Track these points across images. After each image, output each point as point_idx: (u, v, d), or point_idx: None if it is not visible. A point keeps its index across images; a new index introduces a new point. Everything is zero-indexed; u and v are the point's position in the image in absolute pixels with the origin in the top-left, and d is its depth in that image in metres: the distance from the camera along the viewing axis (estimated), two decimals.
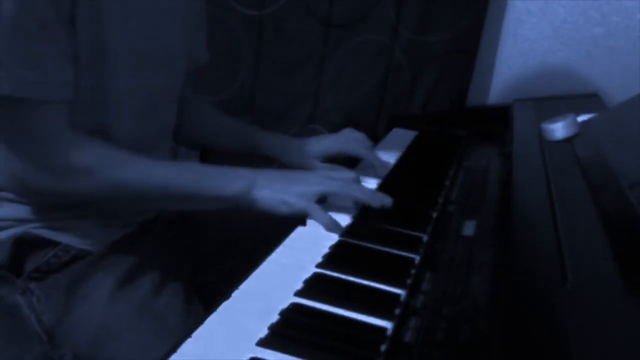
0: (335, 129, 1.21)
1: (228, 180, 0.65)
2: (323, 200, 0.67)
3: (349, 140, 0.87)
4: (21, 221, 0.65)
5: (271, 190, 0.64)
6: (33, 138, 0.58)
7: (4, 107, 0.56)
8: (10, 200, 0.65)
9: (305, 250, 0.58)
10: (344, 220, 0.66)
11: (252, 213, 0.65)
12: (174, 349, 0.42)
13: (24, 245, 0.65)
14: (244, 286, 0.51)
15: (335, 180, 0.68)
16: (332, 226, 0.63)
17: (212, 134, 0.91)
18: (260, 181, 0.65)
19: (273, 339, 0.43)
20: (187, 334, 0.44)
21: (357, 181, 0.71)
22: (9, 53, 0.53)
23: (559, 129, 0.75)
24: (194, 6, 0.78)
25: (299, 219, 0.65)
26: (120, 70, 0.63)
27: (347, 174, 0.71)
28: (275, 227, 0.62)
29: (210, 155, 1.18)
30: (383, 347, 0.43)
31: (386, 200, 0.67)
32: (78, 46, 0.58)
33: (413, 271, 0.54)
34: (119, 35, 0.61)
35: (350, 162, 0.87)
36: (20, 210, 0.65)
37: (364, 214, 0.68)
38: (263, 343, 0.43)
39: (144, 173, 0.63)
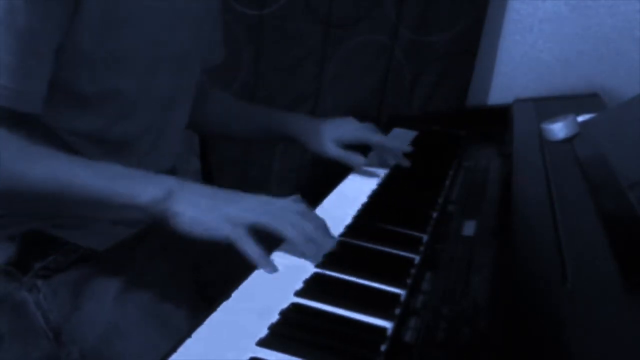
0: None
1: (143, 186, 0.56)
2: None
3: (366, 127, 0.86)
4: (29, 217, 0.65)
5: (192, 205, 0.55)
6: None
7: None
8: (18, 197, 0.65)
9: None
10: (344, 219, 0.66)
11: (166, 230, 0.56)
12: (174, 349, 0.42)
13: (31, 243, 0.65)
14: (244, 286, 0.51)
15: (275, 210, 0.56)
16: (263, 261, 0.54)
17: (230, 122, 0.90)
18: (182, 193, 0.56)
19: (273, 339, 0.43)
20: (187, 334, 0.44)
21: (324, 229, 0.59)
22: None
23: (559, 129, 0.75)
24: (211, 7, 0.77)
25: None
26: (135, 72, 0.63)
27: (290, 203, 0.59)
28: None
29: (210, 156, 1.18)
30: (383, 347, 0.43)
31: (328, 246, 0.57)
32: (85, 50, 0.58)
33: (413, 271, 0.54)
34: (135, 37, 0.61)
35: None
36: (28, 208, 0.65)
37: (364, 213, 0.68)
38: (263, 343, 0.43)
39: (49, 170, 0.56)
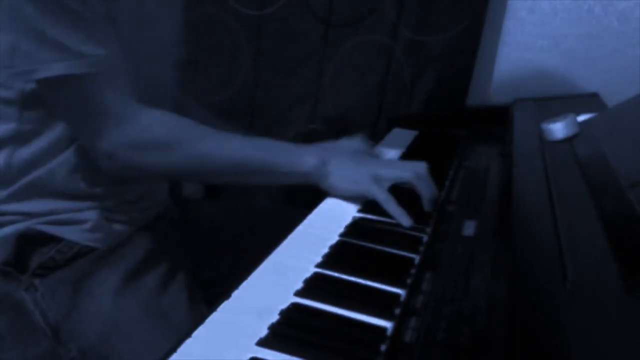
0: (335, 129, 1.21)
1: (301, 156, 0.67)
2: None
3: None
4: (25, 216, 0.65)
5: (343, 168, 0.66)
6: (114, 114, 0.59)
7: (73, 89, 0.57)
8: (13, 194, 0.65)
9: (305, 249, 0.58)
10: (344, 219, 0.66)
11: (321, 188, 0.66)
12: (174, 349, 0.42)
13: (28, 242, 0.65)
14: (244, 286, 0.51)
15: (410, 167, 0.67)
16: (403, 217, 0.64)
17: None
18: (333, 158, 0.66)
19: (273, 339, 0.43)
20: (187, 333, 0.44)
21: (428, 175, 0.69)
22: (68, 34, 0.54)
23: (559, 129, 0.75)
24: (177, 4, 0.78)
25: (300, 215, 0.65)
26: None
27: (420, 165, 0.69)
28: (276, 227, 0.62)
29: None
30: (383, 347, 0.43)
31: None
32: None
33: (413, 271, 0.54)
34: (123, 22, 0.62)
35: None
36: (24, 206, 0.65)
37: (364, 213, 0.68)
38: (263, 343, 0.43)
39: (224, 147, 0.64)
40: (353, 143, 0.84)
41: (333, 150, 0.68)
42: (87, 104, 0.58)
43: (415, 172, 0.67)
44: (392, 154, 0.94)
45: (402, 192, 0.68)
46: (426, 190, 0.67)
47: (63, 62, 0.54)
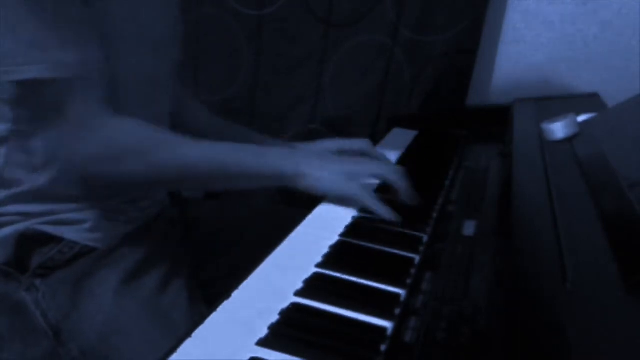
0: (335, 129, 1.21)
1: (277, 158, 0.66)
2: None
3: (345, 139, 0.85)
4: (25, 216, 0.65)
5: (320, 168, 0.65)
6: (79, 122, 0.58)
7: (46, 93, 0.56)
8: (13, 195, 0.65)
9: (305, 250, 0.58)
10: (344, 219, 0.66)
11: (298, 190, 0.66)
12: (174, 349, 0.42)
13: (28, 242, 0.65)
14: (244, 286, 0.51)
15: (384, 164, 0.69)
16: (387, 214, 0.64)
17: (207, 136, 0.90)
18: (307, 159, 0.66)
19: (273, 339, 0.43)
20: (187, 333, 0.44)
21: (401, 170, 0.70)
22: (44, 37, 0.54)
23: (559, 129, 0.75)
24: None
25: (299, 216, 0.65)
26: (113, 56, 0.63)
27: (393, 164, 0.71)
28: (276, 227, 0.62)
29: None
30: (383, 347, 0.43)
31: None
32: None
33: (413, 271, 0.54)
34: (111, 20, 0.61)
35: None
36: (24, 206, 0.65)
37: (364, 213, 0.68)
38: (263, 343, 0.43)
39: (197, 153, 0.63)
40: (356, 144, 0.84)
41: (304, 152, 0.69)
42: (57, 110, 0.57)
43: (388, 167, 0.68)
44: (392, 154, 0.94)
45: (397, 196, 0.68)
46: (402, 183, 0.67)
47: (36, 65, 0.54)
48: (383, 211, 0.64)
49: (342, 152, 0.82)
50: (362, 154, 0.82)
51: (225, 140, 0.88)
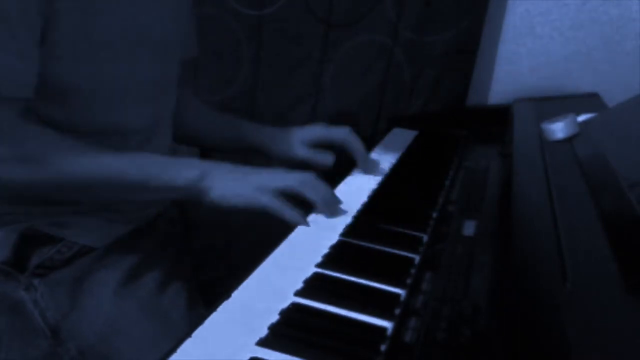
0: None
1: (177, 170, 0.63)
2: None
3: (336, 128, 0.85)
4: (25, 216, 0.65)
5: (224, 180, 0.63)
6: None
7: None
8: (13, 195, 0.65)
9: (305, 250, 0.58)
10: (344, 219, 0.66)
11: (205, 203, 0.63)
12: (174, 349, 0.42)
13: (27, 241, 0.65)
14: (244, 286, 0.51)
15: (298, 176, 0.65)
16: (301, 221, 0.63)
17: (202, 128, 0.90)
18: (214, 171, 0.63)
19: (273, 339, 0.43)
20: (187, 333, 0.44)
21: (315, 180, 0.67)
22: None
23: (559, 129, 0.75)
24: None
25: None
26: (113, 59, 0.63)
27: (306, 173, 0.67)
28: (276, 227, 0.62)
29: (209, 157, 1.18)
30: (383, 347, 0.43)
31: (333, 210, 0.65)
32: (68, 41, 0.58)
33: (413, 271, 0.54)
34: (110, 24, 0.61)
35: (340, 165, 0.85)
36: (24, 206, 0.65)
37: (364, 213, 0.68)
38: (263, 343, 0.43)
39: (87, 164, 0.61)
40: (337, 133, 0.83)
41: (216, 165, 0.65)
42: None
43: (299, 180, 0.64)
44: (392, 154, 0.94)
45: (398, 196, 0.68)
46: (316, 195, 0.65)
47: None
48: (295, 218, 0.62)
49: (318, 145, 0.82)
50: (342, 144, 0.82)
51: (216, 129, 0.89)
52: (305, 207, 0.66)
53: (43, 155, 0.59)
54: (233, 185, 0.63)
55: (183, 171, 0.63)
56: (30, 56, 0.57)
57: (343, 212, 0.67)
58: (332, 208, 0.67)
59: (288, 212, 0.62)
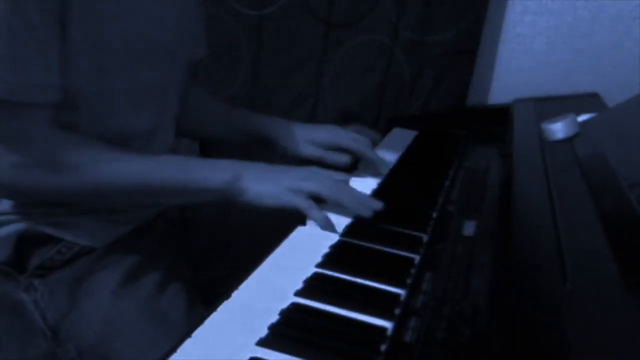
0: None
1: (213, 172, 0.64)
2: (322, 200, 0.67)
3: (347, 134, 0.84)
4: (24, 216, 0.65)
5: (260, 181, 0.63)
6: (21, 139, 0.58)
7: None
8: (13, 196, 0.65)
9: (305, 250, 0.58)
10: (345, 219, 0.66)
11: (239, 204, 0.63)
12: (173, 349, 0.42)
13: (27, 242, 0.65)
14: (244, 286, 0.51)
15: (328, 180, 0.65)
16: (327, 225, 0.63)
17: (207, 121, 0.89)
18: (248, 172, 0.64)
19: (273, 339, 0.43)
20: (187, 333, 0.44)
21: (346, 183, 0.69)
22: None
23: (559, 129, 0.75)
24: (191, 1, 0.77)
25: (299, 218, 0.65)
26: (118, 65, 0.63)
27: (337, 174, 0.68)
28: (275, 227, 0.62)
29: (210, 151, 1.18)
30: (383, 347, 0.43)
31: (376, 205, 0.65)
32: (72, 47, 0.58)
33: (413, 271, 0.54)
34: (116, 30, 0.61)
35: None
36: (23, 206, 0.65)
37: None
38: (263, 343, 0.43)
39: (126, 169, 0.62)
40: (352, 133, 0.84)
41: (249, 165, 0.65)
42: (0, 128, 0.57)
43: (332, 188, 0.64)
44: (392, 154, 0.94)
45: (398, 196, 0.68)
46: (349, 201, 0.65)
47: None
48: (324, 222, 0.63)
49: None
50: (355, 153, 0.82)
51: (227, 124, 0.89)
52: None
53: (80, 163, 0.59)
54: (267, 186, 0.63)
55: (219, 173, 0.63)
56: (56, 64, 0.57)
57: (374, 207, 0.66)
58: (365, 207, 0.65)
59: (317, 214, 0.62)
